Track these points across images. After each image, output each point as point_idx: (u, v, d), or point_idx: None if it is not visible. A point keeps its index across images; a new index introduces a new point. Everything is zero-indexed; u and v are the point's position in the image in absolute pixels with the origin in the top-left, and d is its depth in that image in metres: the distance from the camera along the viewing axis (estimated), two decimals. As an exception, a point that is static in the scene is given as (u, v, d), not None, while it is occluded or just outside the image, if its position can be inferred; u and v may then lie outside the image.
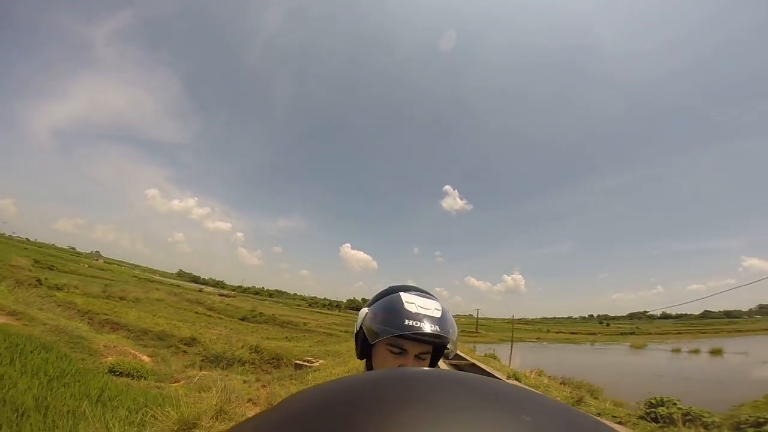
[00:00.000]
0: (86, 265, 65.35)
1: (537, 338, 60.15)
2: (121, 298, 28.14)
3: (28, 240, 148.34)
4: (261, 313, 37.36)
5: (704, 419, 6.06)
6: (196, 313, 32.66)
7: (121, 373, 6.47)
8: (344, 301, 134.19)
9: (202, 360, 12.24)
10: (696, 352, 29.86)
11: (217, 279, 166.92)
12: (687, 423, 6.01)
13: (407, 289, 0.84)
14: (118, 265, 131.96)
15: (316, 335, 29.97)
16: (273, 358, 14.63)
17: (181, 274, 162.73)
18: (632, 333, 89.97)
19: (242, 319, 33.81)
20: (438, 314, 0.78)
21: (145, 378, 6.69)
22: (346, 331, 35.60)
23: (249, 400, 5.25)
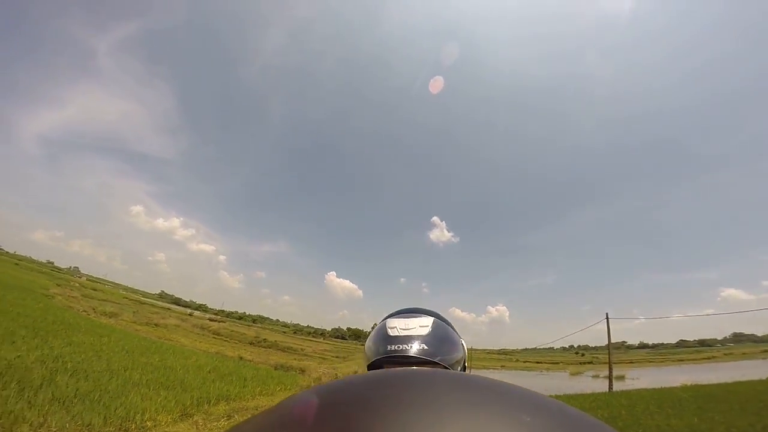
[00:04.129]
0: (78, 284, 68.49)
1: (501, 366, 67.31)
2: (156, 325, 34.17)
3: (3, 251, 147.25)
4: (265, 339, 43.62)
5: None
6: (214, 337, 38.78)
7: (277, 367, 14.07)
8: (329, 329, 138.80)
9: (274, 367, 19.43)
10: (606, 377, 38.18)
11: (198, 302, 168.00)
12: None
13: (396, 313, 0.79)
14: (100, 283, 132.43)
15: (314, 359, 36.59)
16: (301, 370, 21.79)
17: (163, 296, 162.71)
18: (590, 362, 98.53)
19: (250, 344, 39.94)
20: (425, 331, 0.70)
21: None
22: (336, 357, 42.37)
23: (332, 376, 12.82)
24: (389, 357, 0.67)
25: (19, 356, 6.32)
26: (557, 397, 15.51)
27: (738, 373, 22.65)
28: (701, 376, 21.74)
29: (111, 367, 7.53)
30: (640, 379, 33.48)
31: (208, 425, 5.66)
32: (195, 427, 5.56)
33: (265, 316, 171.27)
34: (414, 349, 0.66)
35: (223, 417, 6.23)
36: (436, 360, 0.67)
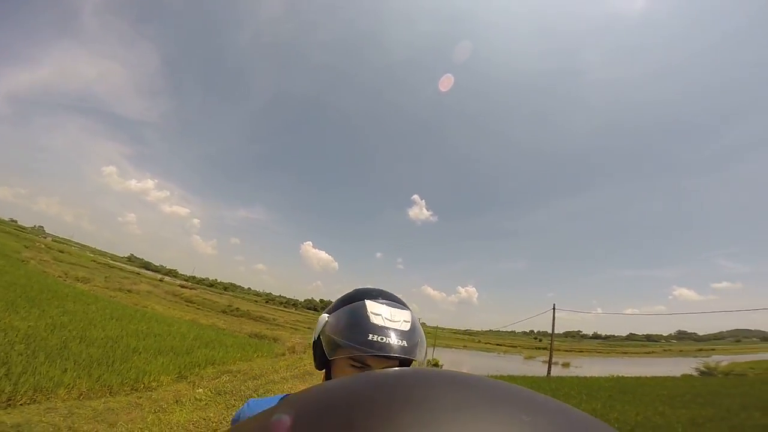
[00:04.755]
0: (43, 246, 66.47)
1: (464, 346, 71.34)
2: (129, 291, 34.23)
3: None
4: (237, 308, 44.55)
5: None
6: (187, 305, 39.31)
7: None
8: (301, 300, 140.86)
9: (248, 335, 20.53)
10: (555, 363, 42.05)
11: (168, 267, 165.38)
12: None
13: (374, 295, 0.69)
14: (66, 244, 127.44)
15: (286, 329, 37.96)
16: (273, 339, 22.98)
17: (132, 260, 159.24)
18: (545, 348, 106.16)
19: (223, 312, 40.78)
20: (407, 327, 0.65)
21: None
22: (309, 328, 43.95)
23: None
24: (371, 353, 0.60)
25: (30, 326, 7.14)
26: (502, 377, 17.60)
27: (662, 369, 25.83)
28: (630, 369, 24.68)
29: (108, 335, 8.42)
30: (583, 367, 37.07)
31: (202, 384, 6.81)
32: (192, 385, 6.68)
33: (237, 284, 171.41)
34: (397, 344, 0.61)
35: (213, 378, 7.40)
36: (410, 360, 0.65)
